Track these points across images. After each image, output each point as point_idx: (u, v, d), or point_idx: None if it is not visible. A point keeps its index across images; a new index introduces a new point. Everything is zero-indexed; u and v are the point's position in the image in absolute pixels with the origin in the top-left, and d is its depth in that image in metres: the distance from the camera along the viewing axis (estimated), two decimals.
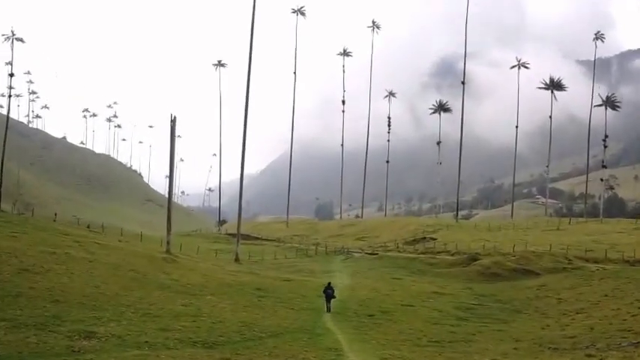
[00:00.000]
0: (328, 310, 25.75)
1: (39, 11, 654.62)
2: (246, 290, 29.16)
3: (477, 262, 46.41)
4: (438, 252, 56.97)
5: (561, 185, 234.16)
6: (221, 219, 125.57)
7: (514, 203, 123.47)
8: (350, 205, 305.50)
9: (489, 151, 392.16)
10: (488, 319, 26.94)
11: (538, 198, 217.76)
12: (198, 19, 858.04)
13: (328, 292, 26.32)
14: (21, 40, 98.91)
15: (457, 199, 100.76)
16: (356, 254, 62.16)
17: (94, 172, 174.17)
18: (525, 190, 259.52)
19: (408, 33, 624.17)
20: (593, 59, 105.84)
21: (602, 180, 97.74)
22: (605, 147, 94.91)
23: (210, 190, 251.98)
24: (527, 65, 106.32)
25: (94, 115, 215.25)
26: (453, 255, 53.63)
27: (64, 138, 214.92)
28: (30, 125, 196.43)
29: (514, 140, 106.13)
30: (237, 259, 49.93)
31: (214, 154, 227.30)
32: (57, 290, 20.27)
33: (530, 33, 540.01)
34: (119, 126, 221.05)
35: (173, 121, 44.02)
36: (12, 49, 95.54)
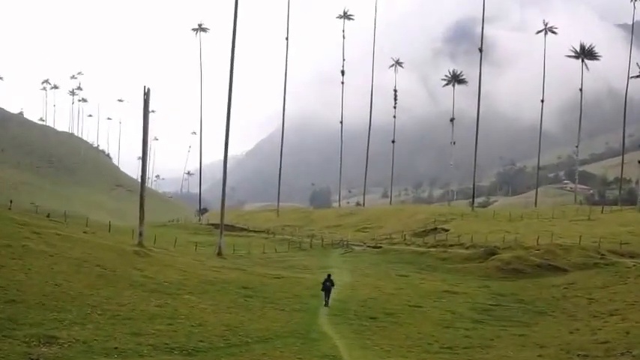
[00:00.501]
0: (326, 304, 27.38)
1: None
2: (231, 289, 29.23)
3: (496, 256, 46.60)
4: (451, 245, 57.21)
5: (593, 168, 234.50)
6: (202, 207, 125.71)
7: (538, 189, 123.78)
8: (350, 191, 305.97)
9: (511, 129, 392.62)
10: (508, 321, 27.08)
11: (566, 183, 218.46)
12: None
13: (327, 285, 27.94)
14: None
15: (473, 185, 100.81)
16: (357, 248, 62.31)
17: (55, 153, 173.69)
18: (551, 174, 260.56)
19: None
20: (632, 22, 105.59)
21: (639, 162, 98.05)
22: None
23: (189, 173, 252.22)
24: (554, 30, 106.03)
25: (55, 87, 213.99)
26: (467, 248, 53.88)
27: (21, 114, 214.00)
28: None
29: (539, 117, 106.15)
30: (220, 254, 49.99)
31: (194, 133, 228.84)
32: (12, 289, 20.15)
33: None
34: (84, 100, 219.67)
35: (147, 94, 43.70)
36: None
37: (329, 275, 29.36)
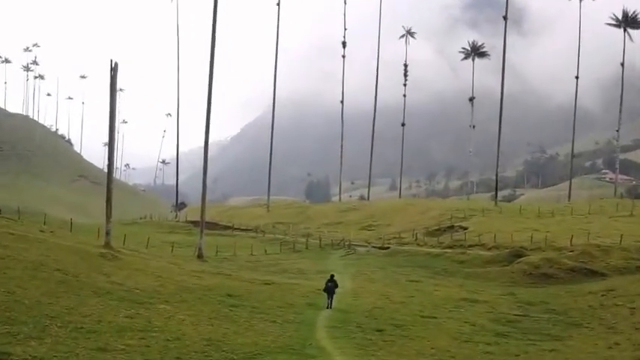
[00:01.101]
0: (329, 306, 29.56)
1: None
2: (213, 297, 29.28)
3: (523, 259, 46.73)
4: (470, 245, 57.41)
5: (636, 156, 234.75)
6: (179, 202, 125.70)
7: (572, 180, 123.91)
8: (352, 182, 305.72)
9: (541, 109, 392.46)
10: (536, 335, 27.18)
11: (605, 173, 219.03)
12: None
13: (329, 286, 30.12)
14: None
15: (496, 175, 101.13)
16: (360, 249, 62.40)
17: (6, 139, 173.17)
18: (588, 163, 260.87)
19: None
20: None
21: None
22: None
23: (164, 162, 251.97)
24: None
25: (7, 61, 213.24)
26: (489, 250, 54.06)
27: None
28: None
29: (573, 96, 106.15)
30: (200, 256, 50.13)
31: (169, 115, 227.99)
32: None
33: None
34: (41, 77, 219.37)
35: (114, 70, 43.55)
36: None
37: (332, 275, 31.43)
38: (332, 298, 29.96)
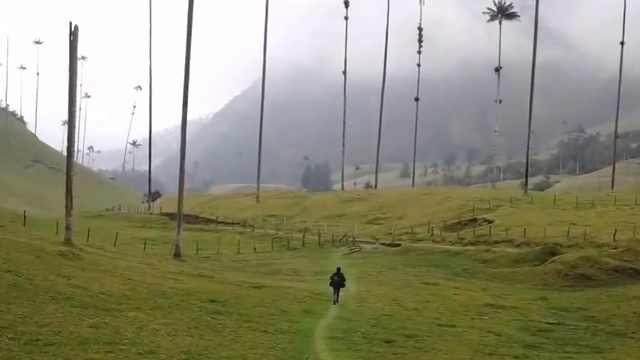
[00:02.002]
0: (335, 301, 32.47)
1: None
2: (193, 303, 29.23)
3: (557, 257, 46.82)
4: (496, 242, 57.87)
5: None
6: (153, 190, 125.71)
7: (616, 164, 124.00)
8: (357, 168, 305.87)
9: (582, 81, 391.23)
10: (572, 346, 27.16)
11: None
12: None
13: (335, 280, 32.91)
14: None
15: (527, 159, 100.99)
16: (366, 246, 62.75)
17: None
18: (634, 145, 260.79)
19: None
20: None
21: None
22: None
23: (134, 144, 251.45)
24: None
25: None
26: (518, 247, 54.40)
27: None
28: None
29: (618, 65, 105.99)
30: (177, 254, 50.21)
31: (139, 88, 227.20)
32: None
33: None
34: None
35: (73, 34, 43.35)
36: None
37: (338, 269, 33.81)
38: (338, 293, 32.77)
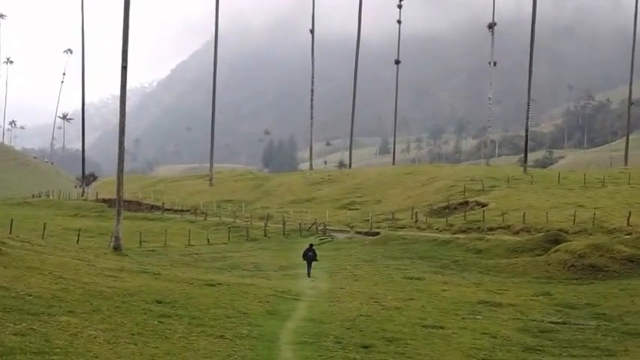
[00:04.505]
0: (309, 275, 40.90)
1: None
2: (136, 304, 29.00)
3: (562, 245, 46.88)
4: (491, 229, 58.02)
5: None
6: (87, 173, 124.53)
7: (630, 137, 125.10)
8: (328, 143, 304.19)
9: (590, 39, 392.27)
10: (580, 349, 27.22)
11: None
12: None
13: (309, 255, 42.14)
14: None
15: (526, 131, 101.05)
16: (339, 235, 63.04)
17: None
18: None
19: None
20: None
21: None
22: None
23: (65, 118, 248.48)
24: None
25: None
26: (517, 234, 54.75)
27: None
28: None
29: (632, 21, 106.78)
30: (117, 248, 49.89)
31: (69, 51, 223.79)
32: None
33: None
34: None
35: None
36: None
37: (311, 245, 43.98)
38: (310, 267, 41.95)
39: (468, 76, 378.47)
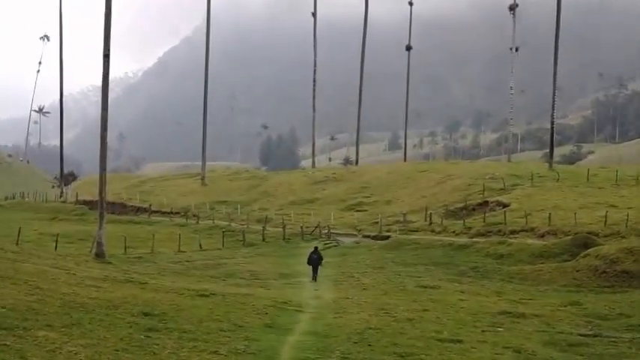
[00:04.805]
0: (314, 279, 41.79)
1: None
2: (121, 317, 28.16)
3: (592, 250, 46.37)
4: (513, 232, 58.38)
5: None
6: (66, 172, 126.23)
7: None
8: (332, 138, 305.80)
9: (624, 22, 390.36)
10: None
11: None
12: None
13: (314, 258, 42.67)
14: None
15: (552, 124, 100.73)
16: (345, 239, 65.23)
17: None
18: None
19: None
20: None
21: None
22: None
23: (41, 111, 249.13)
24: None
25: None
26: (542, 237, 54.91)
27: None
28: None
29: None
30: (100, 254, 49.80)
31: (46, 38, 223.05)
32: None
33: None
34: None
35: None
36: None
37: (316, 248, 44.39)
38: (317, 271, 42.48)
39: (487, 63, 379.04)
